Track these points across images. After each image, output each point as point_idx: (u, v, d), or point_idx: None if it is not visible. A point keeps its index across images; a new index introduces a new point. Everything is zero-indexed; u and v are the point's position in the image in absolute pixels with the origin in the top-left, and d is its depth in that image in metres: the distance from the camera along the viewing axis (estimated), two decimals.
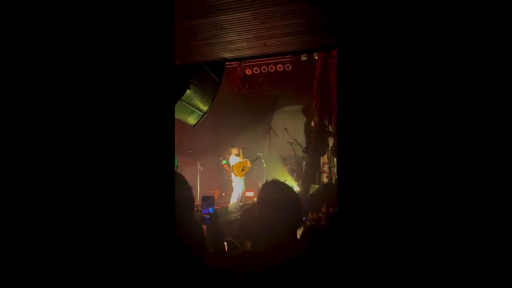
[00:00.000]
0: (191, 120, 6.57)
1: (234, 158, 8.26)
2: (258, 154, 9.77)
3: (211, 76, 6.33)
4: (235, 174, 8.18)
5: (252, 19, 3.82)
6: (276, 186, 1.57)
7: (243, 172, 8.25)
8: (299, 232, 2.89)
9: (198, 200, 8.01)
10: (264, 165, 9.74)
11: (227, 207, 8.14)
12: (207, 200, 2.12)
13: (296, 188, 9.35)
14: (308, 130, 10.44)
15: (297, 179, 9.73)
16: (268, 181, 1.61)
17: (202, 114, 6.62)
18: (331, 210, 5.00)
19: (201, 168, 8.54)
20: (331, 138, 9.60)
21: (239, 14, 3.71)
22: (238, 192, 8.14)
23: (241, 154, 8.40)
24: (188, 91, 5.74)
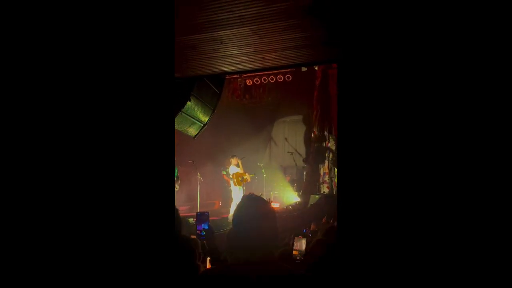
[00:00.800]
0: (192, 131, 6.60)
1: (233, 168, 8.28)
2: (258, 164, 9.78)
3: (211, 87, 6.37)
4: (234, 183, 8.19)
5: (251, 34, 3.86)
6: (251, 201, 1.54)
7: (242, 182, 8.26)
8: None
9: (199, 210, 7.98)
10: (264, 175, 9.74)
11: (227, 217, 8.12)
12: (201, 217, 2.14)
13: (297, 199, 9.33)
14: (308, 140, 10.47)
15: (297, 189, 9.73)
16: (244, 195, 1.59)
17: (202, 125, 6.65)
18: (331, 221, 4.99)
19: (201, 178, 8.54)
20: (332, 148, 9.61)
21: (239, 29, 3.75)
22: (238, 202, 8.11)
23: (240, 164, 8.42)
24: (188, 103, 5.77)
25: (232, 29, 3.73)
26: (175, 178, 7.90)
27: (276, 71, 10.25)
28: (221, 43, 4.11)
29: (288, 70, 10.18)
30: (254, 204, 1.52)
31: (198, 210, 7.96)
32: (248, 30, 3.76)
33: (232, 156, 8.51)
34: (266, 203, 1.57)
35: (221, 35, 3.89)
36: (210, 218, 2.30)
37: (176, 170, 8.00)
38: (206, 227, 2.15)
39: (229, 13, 3.44)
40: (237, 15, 3.46)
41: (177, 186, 7.99)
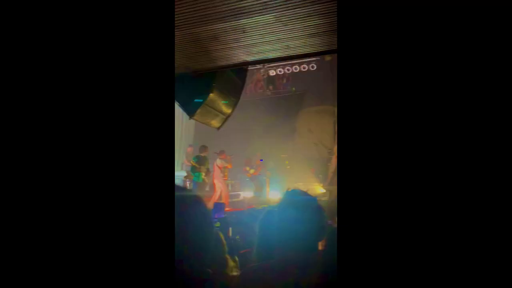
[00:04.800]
0: (215, 123, 6.57)
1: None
2: (282, 155, 9.70)
3: (233, 79, 6.30)
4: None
5: (274, 21, 3.74)
6: (298, 195, 1.51)
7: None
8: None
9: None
10: (288, 167, 9.65)
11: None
12: (218, 206, 2.13)
13: (322, 191, 9.20)
14: (333, 131, 10.26)
15: (322, 181, 9.58)
16: (289, 189, 1.55)
17: (225, 117, 6.61)
18: None
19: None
20: None
21: (261, 17, 3.64)
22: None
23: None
24: (211, 95, 5.73)
25: (255, 16, 3.62)
26: (206, 170, 8.02)
27: (300, 60, 10.09)
28: (244, 32, 4.01)
29: (313, 59, 9.99)
30: (302, 199, 1.49)
31: (216, 200, 8.06)
32: (271, 17, 3.64)
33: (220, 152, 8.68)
34: (313, 197, 1.56)
35: (243, 23, 3.79)
36: (233, 209, 2.28)
37: (207, 162, 8.10)
38: (222, 216, 2.15)
39: (251, 0, 3.34)
40: (260, 2, 3.35)
41: (203, 177, 8.10)
